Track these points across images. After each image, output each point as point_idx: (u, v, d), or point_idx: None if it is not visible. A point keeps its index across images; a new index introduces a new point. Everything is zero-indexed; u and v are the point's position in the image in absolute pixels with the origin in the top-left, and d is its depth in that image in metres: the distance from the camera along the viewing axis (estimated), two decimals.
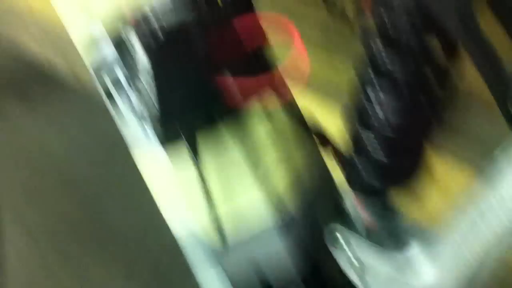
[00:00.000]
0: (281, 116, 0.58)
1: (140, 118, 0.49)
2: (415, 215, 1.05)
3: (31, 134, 1.64)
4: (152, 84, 0.47)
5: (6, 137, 1.60)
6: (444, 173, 0.99)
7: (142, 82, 0.47)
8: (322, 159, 0.63)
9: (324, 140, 0.61)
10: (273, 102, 0.57)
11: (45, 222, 1.39)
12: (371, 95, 0.50)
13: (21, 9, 1.49)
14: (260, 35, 0.57)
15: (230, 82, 0.51)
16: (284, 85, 0.54)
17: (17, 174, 1.50)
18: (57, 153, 1.59)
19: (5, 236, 0.95)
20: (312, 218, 0.58)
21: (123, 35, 0.49)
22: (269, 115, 0.57)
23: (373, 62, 0.49)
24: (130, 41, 0.47)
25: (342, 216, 0.60)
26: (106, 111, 1.55)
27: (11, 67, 1.82)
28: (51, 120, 1.69)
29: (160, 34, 0.46)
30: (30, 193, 1.47)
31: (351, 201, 0.56)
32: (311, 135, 0.61)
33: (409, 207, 1.03)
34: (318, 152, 0.62)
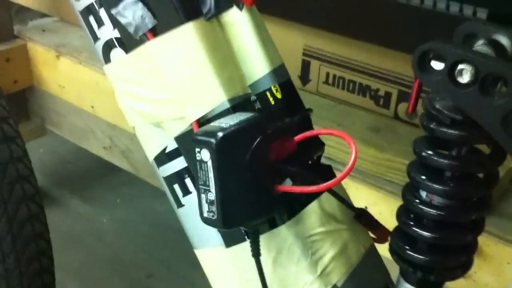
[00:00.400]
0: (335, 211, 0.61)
1: (208, 222, 0.52)
2: None
3: (88, 222, 1.73)
4: (218, 188, 0.50)
5: (66, 225, 1.69)
6: (492, 250, 1.01)
7: (209, 187, 0.51)
8: (375, 249, 0.66)
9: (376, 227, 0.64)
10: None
11: None
12: (422, 194, 0.54)
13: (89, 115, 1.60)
14: (317, 146, 0.61)
15: (289, 189, 0.54)
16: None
17: (74, 258, 1.57)
18: (110, 238, 1.67)
19: None
20: None
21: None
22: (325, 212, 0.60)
23: (422, 164, 0.52)
24: (197, 147, 0.50)
25: None
26: (161, 199, 1.68)
27: (75, 165, 1.94)
28: (107, 208, 1.78)
29: (226, 137, 0.50)
30: (85, 274, 1.53)
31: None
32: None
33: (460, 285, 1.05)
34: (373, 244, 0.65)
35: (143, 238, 1.68)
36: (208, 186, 0.51)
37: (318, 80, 1.37)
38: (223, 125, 0.52)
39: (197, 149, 0.51)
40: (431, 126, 0.51)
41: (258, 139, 0.52)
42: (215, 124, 0.52)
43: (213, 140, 0.50)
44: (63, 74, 1.61)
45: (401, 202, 1.11)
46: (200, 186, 0.52)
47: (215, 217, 0.52)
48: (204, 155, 0.51)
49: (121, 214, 1.77)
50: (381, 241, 0.65)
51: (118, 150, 1.62)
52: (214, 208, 0.51)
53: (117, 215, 1.76)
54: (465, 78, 0.45)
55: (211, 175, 0.51)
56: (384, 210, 1.09)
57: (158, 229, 1.70)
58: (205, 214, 0.52)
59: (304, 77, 1.39)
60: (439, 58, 0.47)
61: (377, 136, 1.21)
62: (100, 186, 1.88)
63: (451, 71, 0.46)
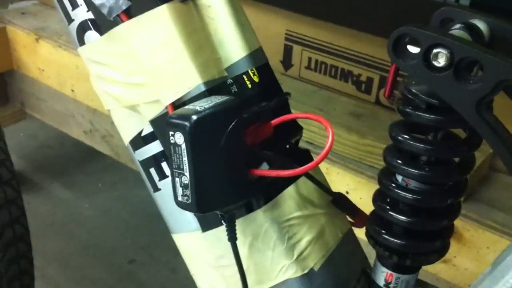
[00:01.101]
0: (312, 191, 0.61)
1: (182, 205, 0.52)
2: (446, 276, 1.07)
3: (69, 207, 1.72)
4: (192, 172, 0.50)
5: (47, 210, 1.67)
6: (472, 235, 1.01)
7: (183, 171, 0.50)
8: (353, 234, 0.66)
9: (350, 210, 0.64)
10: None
11: None
12: (398, 178, 0.54)
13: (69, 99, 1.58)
14: (295, 130, 0.61)
15: (265, 173, 0.54)
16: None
17: (55, 243, 1.56)
18: (91, 224, 1.66)
19: None
20: (338, 283, 0.61)
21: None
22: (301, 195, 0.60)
23: (398, 148, 0.52)
24: (171, 131, 0.50)
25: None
26: (142, 184, 1.68)
27: (56, 150, 1.92)
28: (88, 194, 1.77)
29: (201, 121, 0.49)
30: (64, 260, 1.53)
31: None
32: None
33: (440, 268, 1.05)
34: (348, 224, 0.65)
35: (124, 223, 1.68)
36: (182, 169, 0.51)
37: (300, 65, 1.37)
38: (198, 108, 0.51)
39: (171, 132, 0.51)
40: (407, 110, 0.50)
41: (233, 123, 0.51)
42: (190, 107, 0.52)
43: (187, 123, 0.49)
44: (43, 58, 1.59)
45: None
46: (174, 170, 0.51)
47: (189, 201, 0.51)
48: (178, 138, 0.50)
49: (102, 199, 1.76)
50: (359, 225, 0.64)
51: (99, 135, 1.61)
52: (188, 192, 0.51)
53: (98, 201, 1.75)
54: (440, 62, 0.45)
55: (185, 158, 0.50)
56: (365, 195, 1.10)
57: (140, 214, 1.70)
58: (179, 198, 0.52)
59: (286, 62, 1.38)
60: (414, 43, 0.46)
61: (358, 122, 1.21)
62: (81, 171, 1.86)
63: (426, 55, 0.45)
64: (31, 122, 1.89)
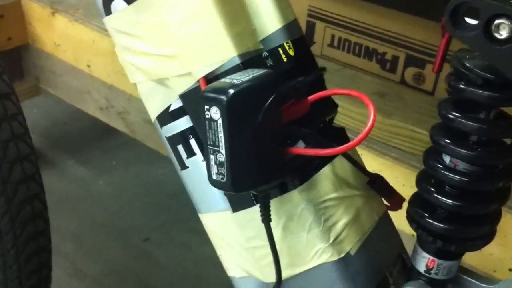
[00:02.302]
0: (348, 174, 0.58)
1: (216, 184, 0.49)
2: (470, 261, 1.04)
3: (84, 184, 1.70)
4: (228, 149, 0.47)
5: (61, 187, 1.66)
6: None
7: (218, 148, 0.48)
8: (389, 217, 0.63)
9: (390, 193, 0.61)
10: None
11: (94, 268, 1.42)
12: (445, 159, 0.51)
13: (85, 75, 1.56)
14: (330, 107, 0.58)
15: (302, 152, 0.51)
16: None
17: (70, 220, 1.54)
18: (106, 201, 1.65)
19: (55, 282, 0.98)
20: (373, 268, 0.58)
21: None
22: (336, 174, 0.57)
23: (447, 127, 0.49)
24: (207, 105, 0.47)
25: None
26: (158, 162, 1.67)
27: (71, 126, 1.90)
28: (103, 171, 1.75)
29: (238, 94, 0.46)
30: (79, 237, 1.51)
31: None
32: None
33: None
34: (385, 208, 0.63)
35: (139, 201, 1.66)
36: (218, 146, 0.48)
37: (322, 42, 1.33)
38: (235, 81, 0.48)
39: (206, 107, 0.48)
40: (460, 86, 0.47)
41: (271, 97, 0.48)
42: (226, 80, 0.49)
43: (224, 97, 0.46)
44: (59, 32, 1.56)
45: (406, 169, 1.08)
46: (209, 147, 0.48)
47: (225, 179, 0.48)
48: (214, 113, 0.47)
49: (117, 177, 1.74)
50: (395, 208, 0.62)
51: (115, 111, 1.58)
52: (223, 170, 0.48)
53: (113, 178, 1.73)
54: (502, 34, 0.42)
55: (221, 134, 0.47)
56: (389, 177, 1.06)
57: (155, 192, 1.68)
58: (214, 176, 0.49)
59: (308, 39, 1.35)
60: (472, 13, 0.43)
61: (383, 101, 1.18)
62: (96, 148, 1.84)
63: (487, 26, 0.42)
64: (45, 97, 1.86)
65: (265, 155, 0.49)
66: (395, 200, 0.61)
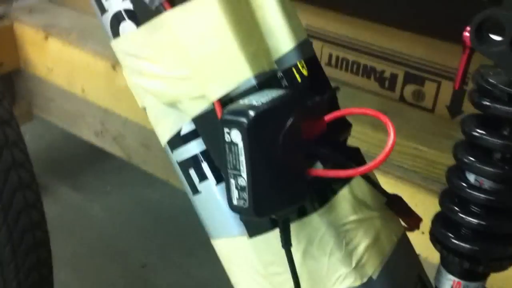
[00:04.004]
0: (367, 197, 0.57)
1: (238, 210, 0.48)
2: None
3: (79, 210, 1.67)
4: (250, 173, 0.46)
5: (55, 213, 1.63)
6: None
7: (239, 171, 0.46)
8: (407, 238, 0.62)
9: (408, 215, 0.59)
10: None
11: None
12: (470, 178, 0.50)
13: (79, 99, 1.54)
14: (345, 127, 0.57)
15: (322, 174, 0.50)
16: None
17: (65, 247, 1.52)
18: (102, 227, 1.62)
19: None
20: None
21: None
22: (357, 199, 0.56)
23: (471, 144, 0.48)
24: (227, 128, 0.46)
25: None
26: (154, 186, 1.65)
27: (64, 152, 1.88)
28: (98, 196, 1.72)
29: (259, 116, 0.45)
30: (78, 264, 1.48)
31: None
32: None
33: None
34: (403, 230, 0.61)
35: (135, 226, 1.63)
36: (239, 170, 0.46)
37: (320, 61, 1.32)
38: (254, 102, 0.47)
39: (226, 130, 0.46)
40: (484, 102, 0.46)
41: (292, 118, 0.47)
42: (245, 102, 0.47)
43: (245, 120, 0.45)
44: (52, 56, 1.54)
45: (410, 187, 1.07)
46: (229, 171, 0.47)
47: (246, 205, 0.47)
48: (235, 136, 0.46)
49: (112, 202, 1.72)
50: (412, 229, 0.60)
51: (110, 136, 1.56)
52: (245, 195, 0.47)
53: (108, 203, 1.71)
54: None
55: (242, 158, 0.46)
56: None
57: (151, 217, 1.66)
58: (235, 202, 0.47)
59: None
60: (497, 29, 0.42)
61: None
62: (89, 173, 1.82)
63: None
64: (37, 123, 1.84)
65: (287, 178, 0.48)
66: (413, 220, 0.59)
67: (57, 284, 1.38)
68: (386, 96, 1.26)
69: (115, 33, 0.57)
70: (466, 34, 0.44)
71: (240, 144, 0.45)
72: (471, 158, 0.48)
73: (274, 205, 0.48)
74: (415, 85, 1.21)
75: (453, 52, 1.13)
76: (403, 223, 0.61)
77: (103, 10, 0.57)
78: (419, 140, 1.11)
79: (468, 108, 1.14)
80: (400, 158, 1.10)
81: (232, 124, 0.46)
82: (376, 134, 1.11)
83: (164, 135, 0.59)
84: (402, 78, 1.22)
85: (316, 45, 1.31)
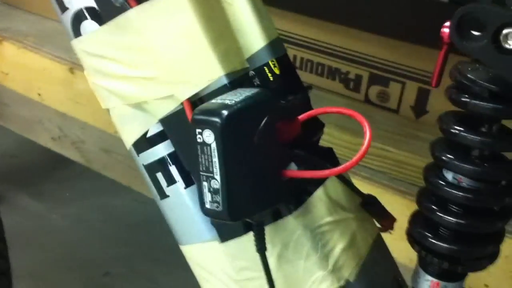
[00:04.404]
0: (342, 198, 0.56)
1: (211, 214, 0.46)
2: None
3: (38, 218, 1.62)
4: (223, 175, 0.44)
5: (14, 222, 1.57)
6: None
7: (212, 174, 0.45)
8: (382, 239, 0.61)
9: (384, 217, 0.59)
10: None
11: None
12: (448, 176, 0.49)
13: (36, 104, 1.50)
14: (318, 127, 0.56)
15: (299, 175, 0.49)
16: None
17: (25, 257, 1.46)
18: (62, 236, 1.57)
19: None
20: None
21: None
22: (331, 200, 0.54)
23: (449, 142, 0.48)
24: (199, 128, 0.44)
25: None
26: (116, 192, 1.61)
27: (21, 158, 1.82)
28: (57, 204, 1.67)
29: (233, 116, 0.44)
30: (35, 274, 1.43)
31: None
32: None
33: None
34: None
35: (97, 234, 1.59)
36: (212, 172, 0.44)
37: None
38: (227, 101, 0.45)
39: (198, 130, 0.44)
40: (463, 99, 0.45)
41: (266, 117, 0.45)
42: (217, 101, 0.45)
43: (218, 120, 0.43)
44: (7, 60, 1.49)
45: (377, 188, 1.07)
46: (202, 173, 0.45)
47: (220, 208, 0.45)
48: (207, 136, 0.44)
49: (73, 209, 1.66)
50: (386, 229, 0.59)
51: (69, 141, 1.52)
52: (218, 198, 0.45)
53: (68, 211, 1.66)
54: (511, 44, 0.40)
55: (215, 159, 0.44)
56: None
57: (113, 224, 1.61)
58: (208, 205, 0.45)
59: None
60: (477, 24, 0.41)
61: (349, 120, 1.16)
62: (48, 180, 1.76)
63: (495, 36, 0.40)
64: None
65: (262, 180, 0.46)
66: (388, 221, 0.58)
67: None
68: (351, 97, 1.26)
69: (76, 32, 0.55)
70: (445, 30, 0.44)
71: (213, 145, 0.44)
72: (449, 156, 0.47)
73: (250, 207, 0.46)
74: (380, 86, 1.21)
75: (417, 53, 1.14)
76: (377, 224, 0.60)
77: (63, 8, 0.55)
78: (385, 140, 1.11)
79: (432, 108, 1.14)
80: (366, 159, 1.09)
81: (204, 124, 0.44)
82: (342, 135, 1.11)
83: (129, 138, 0.56)
84: (366, 79, 1.22)
85: None
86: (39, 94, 1.48)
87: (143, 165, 0.57)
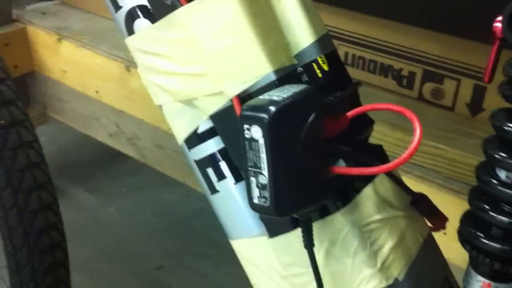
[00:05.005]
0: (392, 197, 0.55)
1: (258, 209, 0.46)
2: None
3: (93, 212, 1.66)
4: (271, 170, 0.44)
5: (70, 216, 1.62)
6: None
7: (260, 169, 0.45)
8: (433, 238, 0.60)
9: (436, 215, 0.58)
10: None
11: None
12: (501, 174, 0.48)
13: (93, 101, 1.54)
14: (367, 124, 0.55)
15: (345, 171, 0.48)
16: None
17: (81, 250, 1.51)
18: (117, 229, 1.61)
19: None
20: None
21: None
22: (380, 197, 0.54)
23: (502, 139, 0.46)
24: (246, 124, 0.44)
25: None
26: (169, 187, 1.63)
27: (79, 153, 1.87)
28: (112, 198, 1.71)
29: (280, 112, 0.44)
30: (90, 267, 1.47)
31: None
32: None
33: None
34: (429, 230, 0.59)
35: (151, 228, 1.62)
36: (259, 168, 0.45)
37: None
38: (275, 98, 0.45)
39: (246, 126, 0.45)
40: None
41: (314, 114, 0.45)
42: (265, 97, 0.46)
43: (265, 116, 0.43)
44: (65, 58, 1.54)
45: (430, 187, 1.05)
46: (249, 169, 0.45)
47: (267, 203, 0.45)
48: (255, 132, 0.44)
49: (127, 204, 1.70)
50: (438, 229, 0.58)
51: (125, 137, 1.56)
52: (266, 193, 0.45)
53: (123, 205, 1.70)
54: None
55: (263, 155, 0.44)
56: None
57: (166, 219, 1.64)
58: (256, 200, 0.46)
59: None
60: None
61: (402, 118, 1.15)
62: (104, 175, 1.81)
63: None
64: (51, 125, 1.84)
65: (309, 176, 0.46)
66: (439, 220, 0.57)
67: (72, 286, 1.38)
68: (404, 94, 1.24)
69: (130, 30, 0.56)
70: (497, 24, 0.43)
71: (261, 141, 0.44)
72: (502, 154, 0.46)
73: (296, 203, 0.46)
74: (434, 83, 1.19)
75: (472, 49, 1.12)
76: (428, 223, 0.59)
77: (117, 7, 0.56)
78: (439, 139, 1.09)
79: (489, 105, 1.12)
80: (420, 157, 1.08)
81: (252, 120, 0.44)
82: (394, 133, 1.09)
83: (181, 134, 0.57)
84: (420, 76, 1.20)
85: None
86: (97, 92, 1.52)
87: (194, 160, 0.58)
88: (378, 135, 1.09)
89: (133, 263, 1.50)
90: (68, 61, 1.54)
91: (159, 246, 1.56)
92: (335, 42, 1.28)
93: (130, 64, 1.36)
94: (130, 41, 0.56)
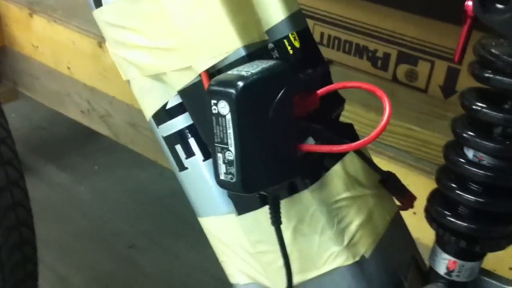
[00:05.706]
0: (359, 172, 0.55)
1: (224, 185, 0.45)
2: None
3: (65, 190, 1.65)
4: (238, 146, 0.43)
5: (41, 194, 1.60)
6: None
7: (227, 145, 0.44)
8: (401, 217, 0.60)
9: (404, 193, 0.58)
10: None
11: (78, 276, 1.37)
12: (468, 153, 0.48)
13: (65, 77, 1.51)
14: (338, 103, 0.55)
15: (315, 149, 0.48)
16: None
17: (51, 228, 1.49)
18: (88, 208, 1.60)
19: None
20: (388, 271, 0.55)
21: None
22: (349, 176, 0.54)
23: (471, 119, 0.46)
24: (214, 99, 0.44)
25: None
26: (142, 166, 1.62)
27: (50, 131, 1.84)
28: (84, 176, 1.69)
29: (249, 87, 0.43)
30: (61, 245, 1.46)
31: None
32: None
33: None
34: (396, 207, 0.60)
35: (123, 207, 1.61)
36: (226, 144, 0.44)
37: None
38: (243, 73, 0.44)
39: (213, 101, 0.44)
40: (486, 75, 0.44)
41: (283, 90, 0.45)
42: (234, 72, 0.45)
43: (233, 91, 0.43)
44: (37, 34, 1.51)
45: (401, 167, 1.06)
46: (216, 145, 0.45)
47: (234, 179, 0.44)
48: (222, 108, 0.43)
49: (99, 182, 1.69)
50: (406, 208, 0.58)
51: (97, 114, 1.54)
52: (233, 170, 0.44)
53: (95, 184, 1.68)
54: None
55: (230, 131, 0.44)
56: None
57: (139, 198, 1.63)
58: (222, 177, 0.45)
59: None
60: None
61: (376, 99, 1.15)
62: (76, 153, 1.79)
63: None
64: (23, 102, 1.81)
65: (277, 153, 0.46)
66: (407, 199, 0.58)
67: (42, 264, 1.36)
68: (379, 75, 1.24)
69: (98, 3, 0.54)
70: (468, 3, 0.42)
71: (228, 116, 0.43)
72: (471, 133, 0.46)
73: (264, 180, 0.46)
74: (408, 65, 1.19)
75: (447, 32, 1.12)
76: (397, 202, 0.59)
77: None
78: (411, 120, 1.10)
79: (462, 88, 1.12)
80: (392, 138, 1.08)
81: (219, 95, 0.43)
82: (368, 113, 1.09)
83: (149, 109, 0.56)
84: (395, 57, 1.20)
85: (308, 24, 1.28)
86: (68, 68, 1.49)
87: (162, 136, 0.57)
88: (352, 115, 1.09)
89: (105, 241, 1.49)
90: (40, 37, 1.51)
91: (132, 225, 1.55)
92: (311, 22, 1.27)
93: (102, 40, 1.34)
94: (97, 13, 0.55)
